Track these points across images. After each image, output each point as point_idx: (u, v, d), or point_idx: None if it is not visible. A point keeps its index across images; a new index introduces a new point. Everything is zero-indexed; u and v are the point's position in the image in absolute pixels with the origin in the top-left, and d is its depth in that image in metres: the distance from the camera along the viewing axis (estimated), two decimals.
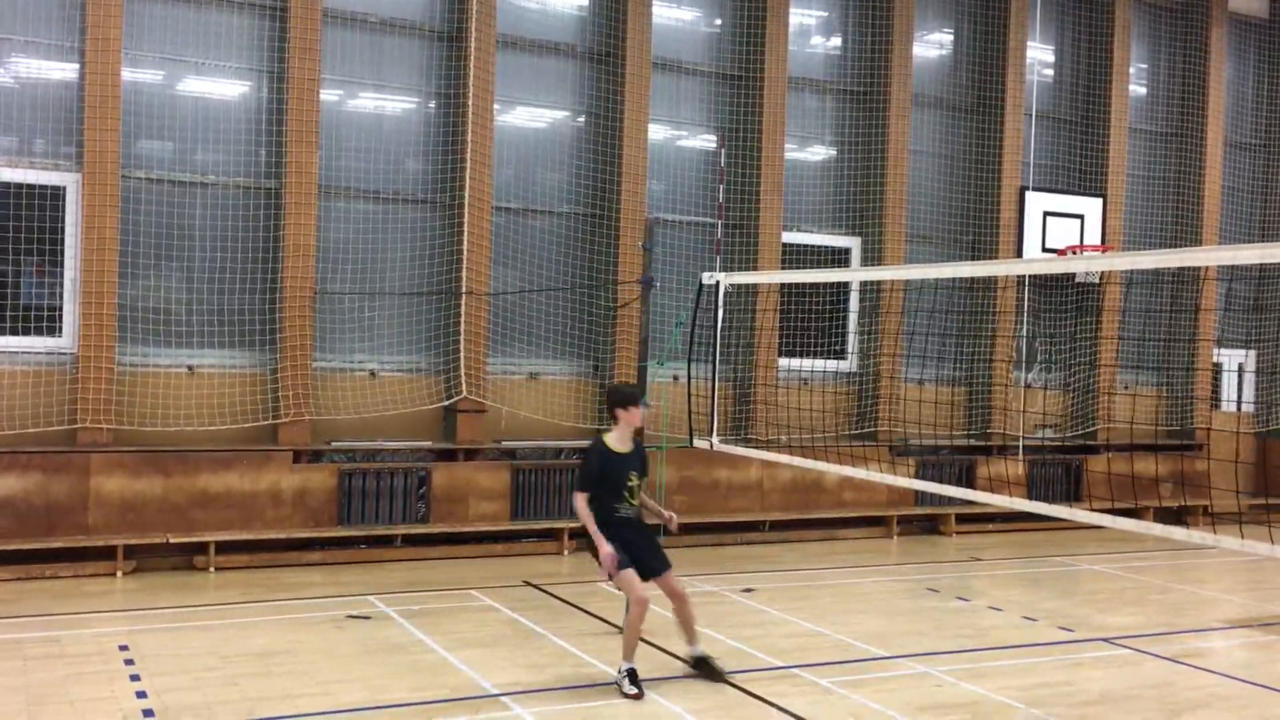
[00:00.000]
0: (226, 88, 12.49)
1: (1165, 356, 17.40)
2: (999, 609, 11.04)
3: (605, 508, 7.92)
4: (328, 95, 12.71)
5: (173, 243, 12.16)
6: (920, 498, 15.39)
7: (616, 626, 9.64)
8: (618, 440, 8.06)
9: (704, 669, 8.28)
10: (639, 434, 8.37)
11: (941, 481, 14.60)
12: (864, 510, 15.10)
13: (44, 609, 9.97)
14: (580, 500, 7.91)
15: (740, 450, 10.87)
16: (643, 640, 9.19)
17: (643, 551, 8.02)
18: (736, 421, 14.56)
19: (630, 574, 7.82)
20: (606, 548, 7.76)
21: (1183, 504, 16.65)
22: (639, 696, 7.74)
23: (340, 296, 12.82)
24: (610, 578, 7.86)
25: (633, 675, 7.85)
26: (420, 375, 13.19)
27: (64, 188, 11.74)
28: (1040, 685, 8.44)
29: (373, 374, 13.00)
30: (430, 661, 8.57)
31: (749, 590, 11.37)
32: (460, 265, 13.05)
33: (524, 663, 8.60)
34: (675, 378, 13.39)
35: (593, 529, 7.84)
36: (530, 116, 13.95)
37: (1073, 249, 16.17)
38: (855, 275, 15.10)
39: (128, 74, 11.83)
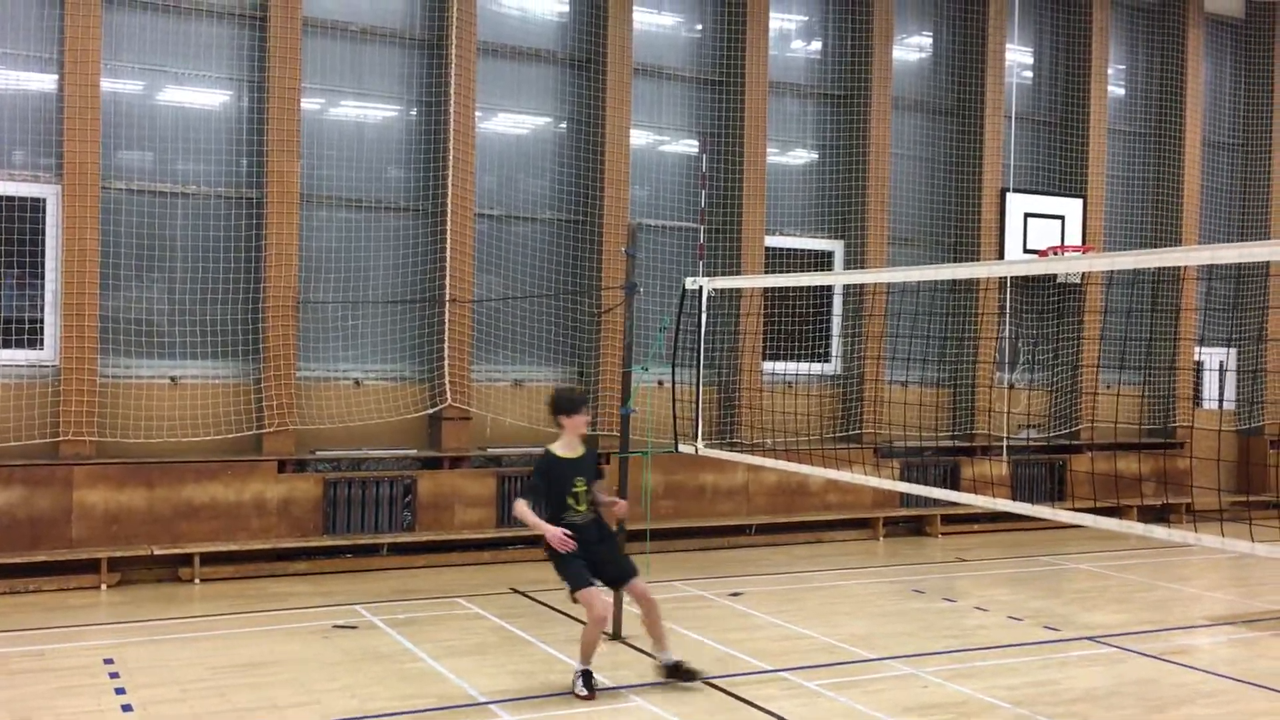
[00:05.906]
0: (207, 97, 12.46)
1: (1147, 356, 17.49)
2: (985, 609, 11.08)
3: (551, 515, 7.86)
4: (308, 104, 12.70)
5: (154, 253, 12.12)
6: (905, 499, 15.43)
7: (604, 633, 9.63)
8: (564, 447, 8.06)
9: (678, 674, 8.20)
10: (585, 439, 8.26)
11: (926, 483, 14.66)
12: (849, 512, 15.13)
13: (28, 623, 9.92)
14: (519, 504, 7.83)
15: (725, 454, 10.88)
16: (628, 645, 9.21)
17: (603, 564, 8.02)
18: (721, 426, 14.58)
19: (590, 592, 7.77)
20: (552, 529, 7.68)
21: (1165, 502, 16.75)
22: (590, 698, 7.74)
23: (323, 305, 12.80)
24: (571, 588, 7.76)
25: (586, 677, 7.85)
26: (405, 383, 13.18)
27: (44, 199, 11.69)
28: (1026, 684, 8.47)
29: (357, 383, 12.98)
30: (418, 670, 8.56)
31: (736, 594, 11.37)
32: (443, 272, 13.05)
33: (512, 670, 8.60)
34: (660, 383, 13.40)
35: (533, 519, 7.73)
36: (512, 123, 13.96)
37: (1054, 250, 16.26)
38: (838, 278, 15.15)
39: (107, 84, 11.80)
